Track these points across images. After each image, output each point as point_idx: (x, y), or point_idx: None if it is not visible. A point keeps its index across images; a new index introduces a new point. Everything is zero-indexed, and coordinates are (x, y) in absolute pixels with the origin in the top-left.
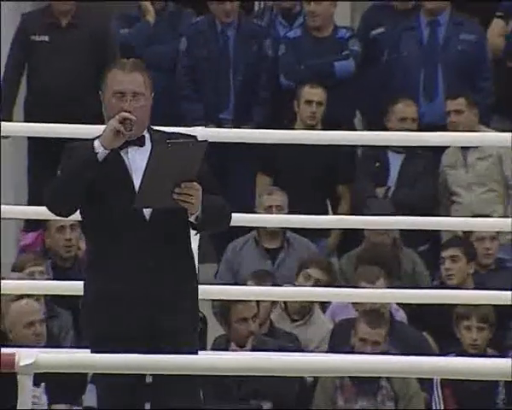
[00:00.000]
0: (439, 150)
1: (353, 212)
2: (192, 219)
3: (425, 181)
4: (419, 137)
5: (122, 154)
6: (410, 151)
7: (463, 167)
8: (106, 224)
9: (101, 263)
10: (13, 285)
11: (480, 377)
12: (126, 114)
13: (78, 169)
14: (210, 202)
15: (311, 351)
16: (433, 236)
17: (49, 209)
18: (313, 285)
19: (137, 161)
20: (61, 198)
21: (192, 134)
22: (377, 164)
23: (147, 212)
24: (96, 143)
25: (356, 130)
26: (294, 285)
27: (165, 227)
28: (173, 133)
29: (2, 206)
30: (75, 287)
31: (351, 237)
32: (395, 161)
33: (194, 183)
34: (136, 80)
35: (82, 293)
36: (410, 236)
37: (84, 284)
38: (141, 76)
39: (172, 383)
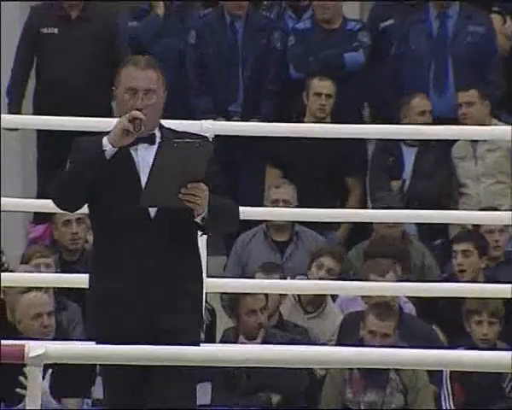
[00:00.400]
0: (452, 143)
1: (367, 206)
2: (198, 219)
3: (440, 174)
4: (418, 130)
5: (131, 151)
6: (423, 144)
7: (473, 159)
8: (111, 220)
9: (104, 260)
10: (20, 278)
11: (484, 369)
12: (136, 113)
13: (84, 166)
14: (217, 203)
15: (323, 344)
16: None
17: (55, 204)
18: (326, 275)
19: (146, 158)
20: (67, 194)
21: (202, 134)
22: (391, 158)
23: (152, 211)
24: (105, 141)
25: (364, 122)
26: (307, 275)
27: (170, 227)
28: (184, 132)
29: (2, 198)
30: (82, 280)
31: (360, 229)
32: (409, 155)
33: (201, 183)
34: (149, 77)
35: (87, 286)
36: (426, 229)
37: (89, 280)
38: (154, 73)
39: (170, 379)
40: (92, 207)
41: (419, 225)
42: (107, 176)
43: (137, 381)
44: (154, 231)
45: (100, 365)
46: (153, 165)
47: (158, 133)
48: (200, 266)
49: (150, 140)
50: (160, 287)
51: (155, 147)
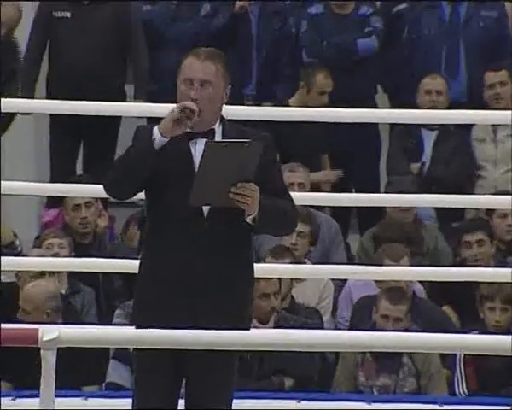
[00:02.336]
0: (470, 127)
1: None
2: (249, 220)
3: (460, 157)
4: (431, 114)
5: (190, 145)
6: (443, 128)
7: (493, 143)
8: (164, 213)
9: (152, 250)
10: (34, 262)
11: (500, 354)
12: (187, 103)
13: (135, 155)
14: (271, 204)
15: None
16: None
17: (106, 191)
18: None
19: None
20: (118, 181)
21: (264, 133)
22: (412, 140)
23: (205, 207)
24: (155, 130)
25: (377, 107)
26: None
27: (221, 224)
28: (247, 129)
29: (2, 182)
30: (95, 264)
31: (374, 213)
32: (428, 138)
33: (252, 184)
34: (206, 69)
35: (101, 270)
36: (443, 212)
37: (139, 268)
38: (213, 65)
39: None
40: (149, 196)
41: (436, 208)
42: (164, 168)
43: (171, 382)
44: (205, 227)
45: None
46: (199, 165)
47: (219, 129)
48: (252, 268)
49: (209, 135)
50: (206, 285)
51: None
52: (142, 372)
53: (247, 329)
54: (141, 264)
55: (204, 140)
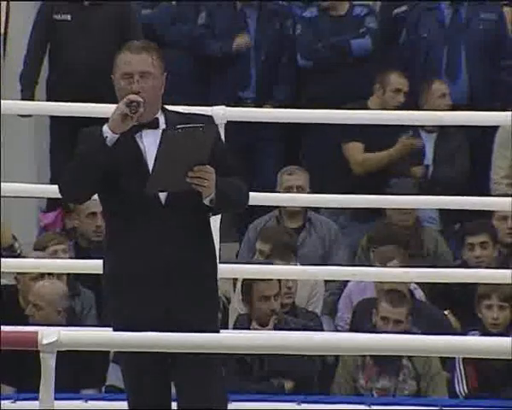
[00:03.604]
0: (472, 128)
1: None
2: (206, 201)
3: (462, 158)
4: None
5: (136, 138)
6: (442, 130)
7: None
8: (121, 208)
9: (116, 248)
10: (34, 264)
11: (498, 356)
12: (133, 97)
13: (88, 155)
14: (225, 184)
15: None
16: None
17: (62, 196)
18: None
19: (151, 143)
20: (74, 185)
21: (208, 114)
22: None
23: (162, 196)
24: (105, 128)
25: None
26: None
27: (181, 211)
28: (188, 114)
29: (2, 184)
30: (95, 266)
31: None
32: (428, 141)
33: (207, 166)
34: (143, 60)
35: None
36: (446, 214)
37: (103, 266)
38: (148, 56)
39: (192, 366)
40: (103, 194)
41: (440, 210)
42: (114, 164)
43: (161, 378)
44: (165, 216)
45: (122, 367)
46: (158, 152)
47: (162, 117)
48: (214, 248)
49: (154, 125)
50: (175, 273)
51: (159, 131)
52: (131, 374)
53: (218, 314)
54: (105, 260)
55: (149, 130)
